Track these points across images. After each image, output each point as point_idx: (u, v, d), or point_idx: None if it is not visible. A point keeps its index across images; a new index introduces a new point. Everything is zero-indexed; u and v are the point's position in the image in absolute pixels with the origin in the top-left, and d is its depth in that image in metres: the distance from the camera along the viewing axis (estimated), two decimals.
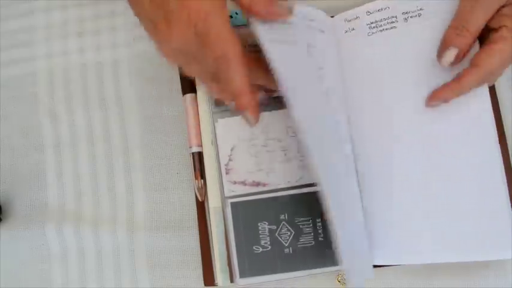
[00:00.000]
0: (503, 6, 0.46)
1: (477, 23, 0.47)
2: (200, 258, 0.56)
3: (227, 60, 0.42)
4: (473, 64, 0.47)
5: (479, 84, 0.48)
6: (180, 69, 0.54)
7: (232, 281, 0.53)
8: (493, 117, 0.50)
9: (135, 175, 0.60)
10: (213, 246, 0.54)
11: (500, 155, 0.49)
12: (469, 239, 0.49)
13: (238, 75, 0.43)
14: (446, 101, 0.49)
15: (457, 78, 0.48)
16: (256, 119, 0.45)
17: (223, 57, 0.42)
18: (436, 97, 0.49)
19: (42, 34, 0.64)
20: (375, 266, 0.52)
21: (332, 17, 0.56)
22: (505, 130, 0.54)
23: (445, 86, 0.49)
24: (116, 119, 0.61)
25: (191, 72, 0.47)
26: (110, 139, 0.61)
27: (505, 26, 0.46)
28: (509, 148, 0.53)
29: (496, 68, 0.47)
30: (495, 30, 0.47)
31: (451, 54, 0.47)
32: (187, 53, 0.43)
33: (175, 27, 0.41)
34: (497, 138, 0.50)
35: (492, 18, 0.47)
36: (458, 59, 0.48)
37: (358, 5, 0.54)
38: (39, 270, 0.60)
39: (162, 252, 0.58)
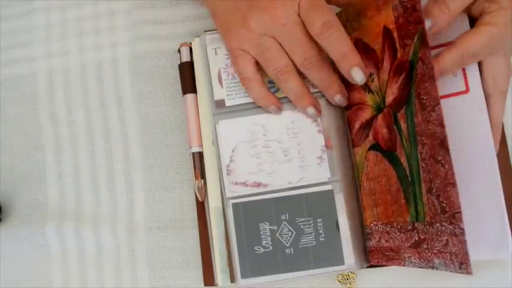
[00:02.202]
0: None
1: (457, 3, 0.46)
2: (200, 258, 0.57)
3: (335, 24, 0.47)
4: (453, 43, 0.47)
5: (459, 64, 0.47)
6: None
7: (232, 281, 0.53)
8: (487, 114, 0.50)
9: (135, 175, 0.60)
10: (213, 246, 0.54)
11: (495, 155, 0.49)
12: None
13: (346, 36, 0.47)
14: None
15: (436, 57, 0.47)
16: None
17: (330, 21, 0.47)
18: None
19: (42, 34, 0.64)
20: (373, 266, 0.53)
21: None
22: (505, 130, 0.54)
23: None
24: (115, 119, 0.61)
25: (270, 58, 0.50)
26: (109, 139, 0.61)
27: (488, 13, 0.46)
28: (509, 148, 0.54)
29: (479, 49, 0.46)
30: (478, 18, 0.47)
31: (426, 25, 0.45)
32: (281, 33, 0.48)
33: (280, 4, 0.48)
34: (492, 138, 0.50)
35: (474, 6, 0.47)
36: (434, 32, 0.47)
37: None
38: (39, 270, 0.60)
39: (162, 252, 0.58)
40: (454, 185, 0.41)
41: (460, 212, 0.41)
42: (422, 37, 0.43)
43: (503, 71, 0.49)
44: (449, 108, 0.50)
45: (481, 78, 0.50)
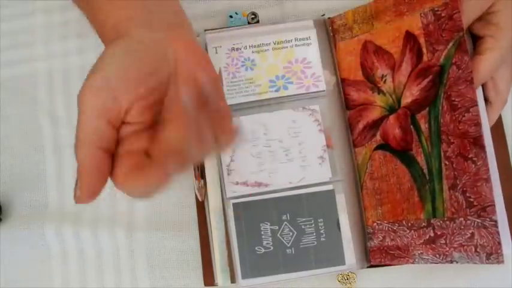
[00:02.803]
0: (488, 13, 0.47)
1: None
2: (200, 258, 0.57)
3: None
4: None
5: None
6: None
7: (233, 281, 0.53)
8: (486, 116, 0.51)
9: None
10: (213, 246, 0.54)
11: (493, 152, 0.50)
12: None
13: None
14: None
15: None
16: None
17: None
18: None
19: (42, 35, 0.64)
20: (373, 266, 0.53)
21: (329, 18, 0.56)
22: (505, 130, 0.54)
23: None
24: None
25: None
26: None
27: (490, 36, 0.48)
28: (509, 148, 0.54)
29: (485, 76, 0.48)
30: (480, 38, 0.49)
31: None
32: None
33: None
34: (490, 136, 0.50)
35: (477, 24, 0.48)
36: None
37: (357, 5, 0.54)
38: (39, 270, 0.60)
39: (162, 252, 0.58)
40: (487, 180, 0.44)
41: (492, 205, 0.44)
42: (460, 44, 0.45)
43: (505, 82, 0.50)
44: None
45: (484, 87, 0.50)
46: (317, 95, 0.53)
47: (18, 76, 0.63)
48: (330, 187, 0.52)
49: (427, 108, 0.48)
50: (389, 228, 0.51)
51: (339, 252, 0.51)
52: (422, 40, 0.49)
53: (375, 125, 0.52)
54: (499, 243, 0.43)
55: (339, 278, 0.55)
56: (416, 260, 0.49)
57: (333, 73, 0.55)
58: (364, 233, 0.52)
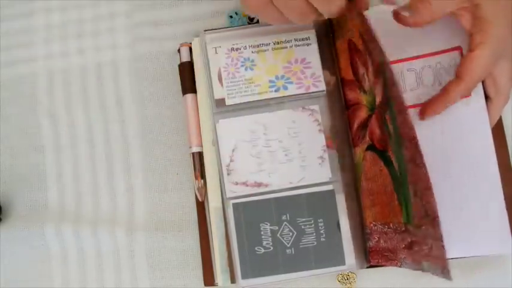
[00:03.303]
0: (473, 6, 0.46)
1: (440, 4, 0.47)
2: (200, 258, 0.57)
3: None
4: (457, 76, 0.48)
5: (466, 92, 0.49)
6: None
7: (233, 281, 0.53)
8: (487, 115, 0.51)
9: (134, 176, 0.60)
10: (213, 247, 0.54)
11: (495, 153, 0.49)
12: (468, 235, 0.49)
13: None
14: (437, 113, 0.51)
15: (444, 91, 0.49)
16: None
17: None
18: (427, 111, 0.51)
19: (42, 35, 0.64)
20: (373, 266, 0.53)
21: (328, 18, 0.56)
22: (505, 130, 0.54)
23: (434, 99, 0.51)
24: (115, 120, 0.61)
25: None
26: (109, 140, 0.61)
27: (478, 31, 0.47)
28: (509, 148, 0.54)
29: (481, 73, 0.48)
30: (470, 35, 0.48)
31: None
32: None
33: None
34: (491, 136, 0.50)
35: (465, 21, 0.48)
36: (415, 24, 0.48)
37: None
38: (38, 270, 0.60)
39: (162, 252, 0.58)
40: (430, 188, 0.39)
41: (437, 217, 0.39)
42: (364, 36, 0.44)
43: (504, 75, 0.49)
44: (452, 111, 0.51)
45: (483, 84, 0.50)
46: (317, 95, 0.53)
47: (18, 76, 0.63)
48: (329, 187, 0.52)
49: (388, 109, 0.45)
50: (382, 230, 0.50)
51: (339, 252, 0.51)
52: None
53: (365, 124, 0.52)
54: (445, 259, 0.39)
55: (339, 278, 0.55)
56: (402, 264, 0.48)
57: (332, 73, 0.55)
58: (363, 233, 0.52)
